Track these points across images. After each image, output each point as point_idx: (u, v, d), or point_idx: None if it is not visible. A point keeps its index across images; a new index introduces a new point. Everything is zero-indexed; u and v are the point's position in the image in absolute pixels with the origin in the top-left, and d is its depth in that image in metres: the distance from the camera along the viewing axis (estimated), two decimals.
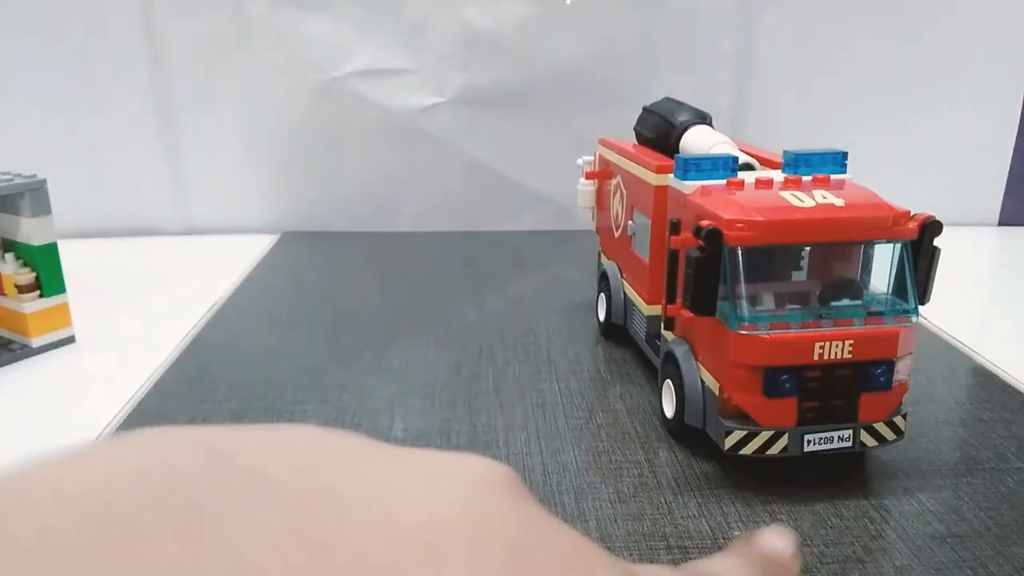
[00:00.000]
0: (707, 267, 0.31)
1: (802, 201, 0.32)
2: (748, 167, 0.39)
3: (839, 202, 0.32)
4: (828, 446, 0.32)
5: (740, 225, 0.31)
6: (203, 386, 0.43)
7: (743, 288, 0.31)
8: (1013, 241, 0.72)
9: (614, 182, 0.47)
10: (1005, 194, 0.73)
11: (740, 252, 0.31)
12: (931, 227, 0.32)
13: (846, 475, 0.34)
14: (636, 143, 0.47)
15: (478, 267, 0.64)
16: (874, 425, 0.33)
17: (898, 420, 0.33)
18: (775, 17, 0.69)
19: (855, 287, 0.34)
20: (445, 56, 0.69)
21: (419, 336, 0.50)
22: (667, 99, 0.46)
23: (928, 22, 0.69)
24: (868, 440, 0.33)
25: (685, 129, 0.43)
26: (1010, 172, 0.73)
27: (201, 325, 0.52)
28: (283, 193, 0.74)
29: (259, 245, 0.70)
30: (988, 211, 0.74)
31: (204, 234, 0.74)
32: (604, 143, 0.49)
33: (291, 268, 0.65)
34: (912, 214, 0.32)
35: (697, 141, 0.42)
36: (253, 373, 0.45)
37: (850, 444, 0.32)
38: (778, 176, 0.35)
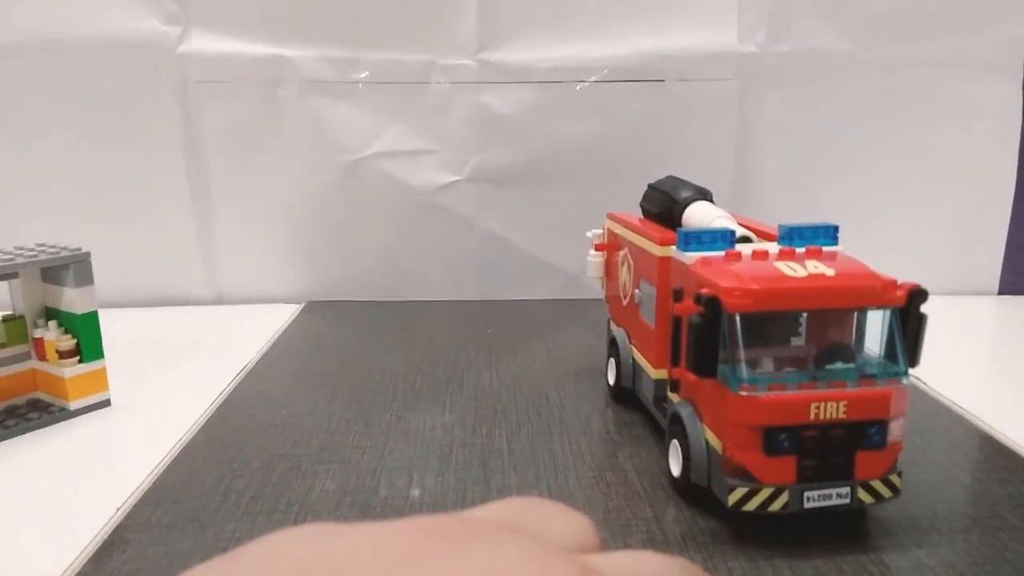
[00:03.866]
0: (707, 332, 0.34)
1: (795, 271, 0.35)
2: (746, 239, 0.41)
3: (830, 272, 0.35)
4: (827, 503, 0.34)
5: (737, 293, 0.33)
6: (231, 447, 0.46)
7: (742, 352, 0.33)
8: (1012, 309, 0.73)
9: (621, 253, 0.50)
10: (1004, 264, 0.75)
11: (738, 318, 0.33)
12: (917, 295, 0.34)
13: (846, 532, 0.35)
14: (642, 217, 0.50)
15: (493, 334, 0.66)
16: (870, 483, 0.34)
17: (894, 478, 0.34)
18: (773, 99, 0.73)
19: (848, 351, 0.36)
20: (463, 138, 0.73)
21: (436, 400, 0.52)
22: (670, 177, 0.49)
23: (921, 94, 0.72)
24: (865, 497, 0.34)
25: (687, 204, 0.46)
26: (1007, 241, 0.75)
27: (230, 390, 0.54)
28: (309, 265, 0.77)
29: (285, 314, 0.73)
30: (988, 280, 0.76)
31: (233, 304, 0.77)
32: (612, 217, 0.52)
33: (315, 335, 0.68)
34: (899, 283, 0.35)
35: (698, 215, 0.45)
36: (279, 435, 0.47)
37: (848, 501, 0.34)
38: (773, 248, 0.38)
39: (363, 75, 0.72)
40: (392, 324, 0.70)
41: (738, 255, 0.37)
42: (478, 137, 0.73)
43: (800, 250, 0.37)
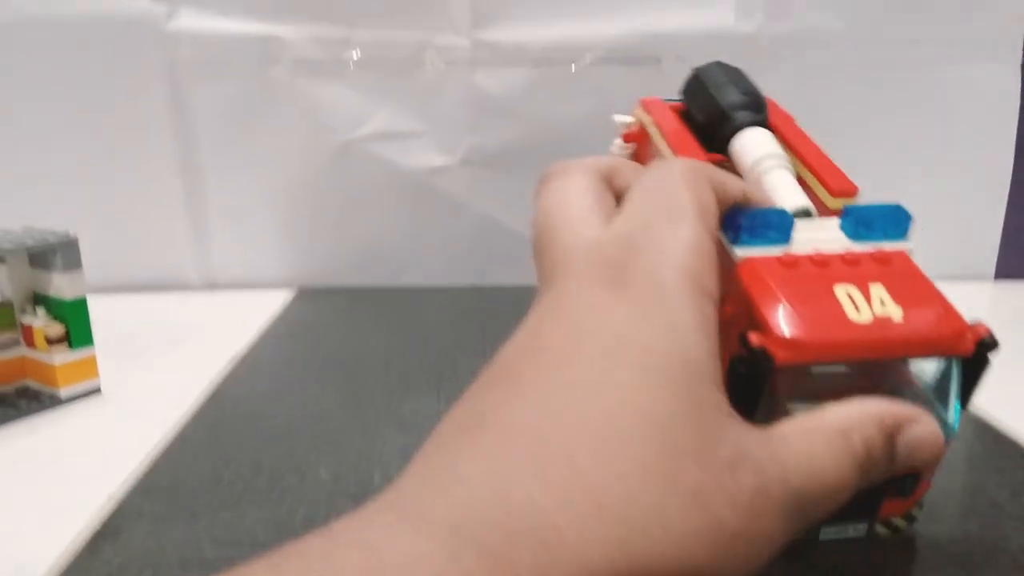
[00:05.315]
0: (750, 383, 0.28)
1: (858, 310, 0.28)
2: (804, 212, 0.33)
3: (897, 314, 0.28)
4: (842, 535, 0.31)
5: (789, 344, 0.27)
6: (224, 435, 0.45)
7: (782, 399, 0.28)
8: (1009, 295, 0.73)
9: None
10: (1001, 248, 0.75)
11: (785, 368, 0.27)
12: (987, 345, 0.29)
13: None
14: (681, 115, 0.39)
15: (487, 320, 0.66)
16: (891, 520, 0.33)
17: (914, 510, 0.33)
18: (770, 79, 0.71)
19: (896, 393, 0.30)
20: (456, 119, 0.72)
21: (430, 387, 0.51)
22: (718, 65, 0.38)
23: (920, 76, 0.72)
24: (882, 531, 0.33)
25: (739, 129, 0.36)
26: (1005, 225, 0.75)
27: (222, 377, 0.54)
28: (300, 250, 0.76)
29: (276, 300, 0.72)
30: (984, 265, 0.76)
31: (223, 288, 0.76)
32: (645, 106, 0.41)
33: (307, 322, 0.68)
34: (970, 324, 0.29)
35: (749, 154, 0.36)
36: (271, 422, 0.47)
37: (863, 535, 0.31)
38: (835, 244, 0.31)
39: (355, 55, 0.71)
40: (385, 310, 0.69)
41: (795, 261, 0.30)
42: (471, 118, 0.72)
43: (865, 252, 0.30)
